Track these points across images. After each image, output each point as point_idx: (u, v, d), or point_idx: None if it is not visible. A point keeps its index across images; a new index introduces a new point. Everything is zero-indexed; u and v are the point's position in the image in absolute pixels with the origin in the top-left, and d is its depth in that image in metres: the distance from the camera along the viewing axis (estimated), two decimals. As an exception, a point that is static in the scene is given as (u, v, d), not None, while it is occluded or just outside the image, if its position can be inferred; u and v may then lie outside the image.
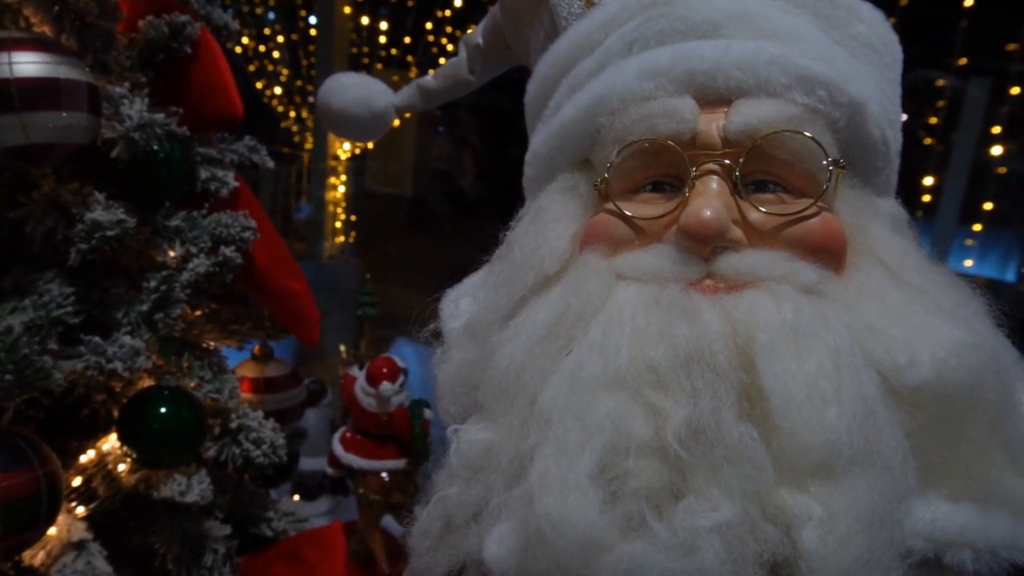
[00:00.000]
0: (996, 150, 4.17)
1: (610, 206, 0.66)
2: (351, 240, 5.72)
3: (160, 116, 1.25)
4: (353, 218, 5.73)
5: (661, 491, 0.54)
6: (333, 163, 5.57)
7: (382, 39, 5.60)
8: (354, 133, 1.41)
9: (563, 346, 0.62)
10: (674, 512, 0.53)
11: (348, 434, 2.32)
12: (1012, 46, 4.01)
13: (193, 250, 1.33)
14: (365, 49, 5.69)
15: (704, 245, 0.61)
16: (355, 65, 5.61)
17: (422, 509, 0.65)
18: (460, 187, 6.60)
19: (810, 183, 0.64)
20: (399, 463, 2.28)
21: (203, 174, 1.40)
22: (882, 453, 0.53)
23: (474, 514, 0.62)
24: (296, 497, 2.36)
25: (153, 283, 1.27)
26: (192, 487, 1.30)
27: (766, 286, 0.59)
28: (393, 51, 5.67)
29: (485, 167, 6.46)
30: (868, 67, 0.70)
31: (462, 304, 0.78)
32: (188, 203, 1.38)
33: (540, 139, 0.76)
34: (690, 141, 0.64)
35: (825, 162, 0.63)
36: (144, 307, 1.26)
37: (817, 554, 0.51)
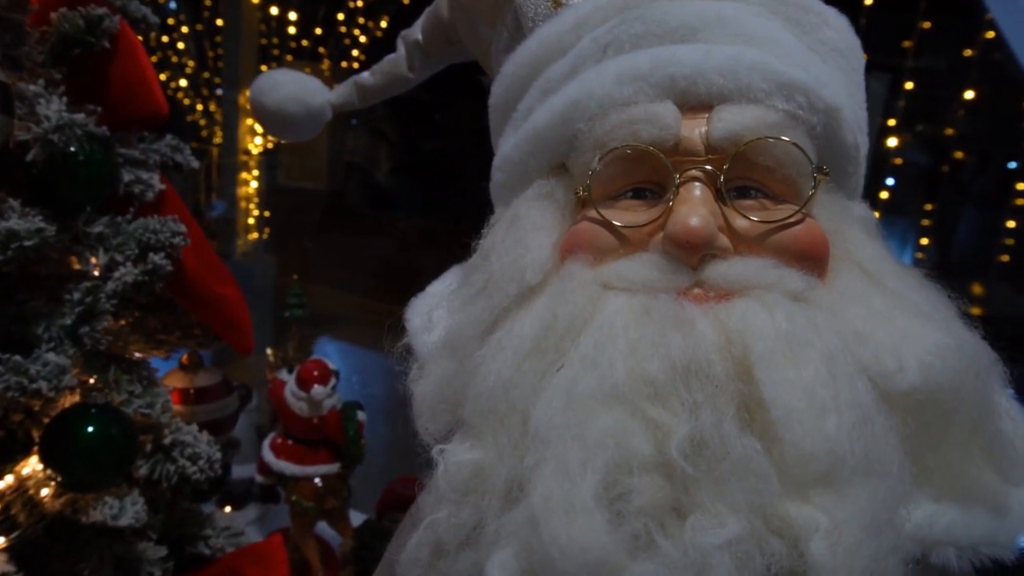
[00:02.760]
0: (892, 142, 4.37)
1: (592, 214, 0.65)
2: (265, 237, 5.56)
3: (80, 116, 1.17)
4: (267, 214, 5.57)
5: (664, 508, 0.53)
6: (244, 158, 5.39)
7: (292, 30, 5.44)
8: (289, 132, 1.36)
9: (552, 361, 0.60)
10: (680, 529, 0.52)
11: (279, 440, 2.25)
12: (907, 43, 4.21)
13: (118, 258, 1.25)
14: (275, 40, 5.52)
15: (693, 254, 0.60)
16: (264, 57, 5.43)
17: (412, 535, 0.62)
18: (376, 180, 6.50)
19: (790, 189, 0.64)
20: (332, 467, 2.23)
21: (126, 176, 1.32)
22: (881, 460, 0.54)
23: (464, 538, 0.60)
24: (228, 509, 2.27)
25: (77, 295, 1.19)
26: (125, 509, 1.23)
27: (756, 294, 0.59)
28: (304, 42, 5.52)
29: (401, 160, 6.38)
30: (838, 72, 0.71)
31: (435, 316, 0.75)
32: (110, 208, 1.30)
33: (511, 144, 0.74)
34: (672, 147, 0.63)
35: (810, 168, 0.63)
36: (67, 321, 1.18)
37: (828, 565, 0.51)
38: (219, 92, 5.62)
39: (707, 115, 0.63)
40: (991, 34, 3.68)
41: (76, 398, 1.27)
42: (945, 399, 0.58)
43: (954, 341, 0.59)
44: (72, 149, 1.19)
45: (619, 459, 0.54)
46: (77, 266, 1.31)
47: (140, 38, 1.42)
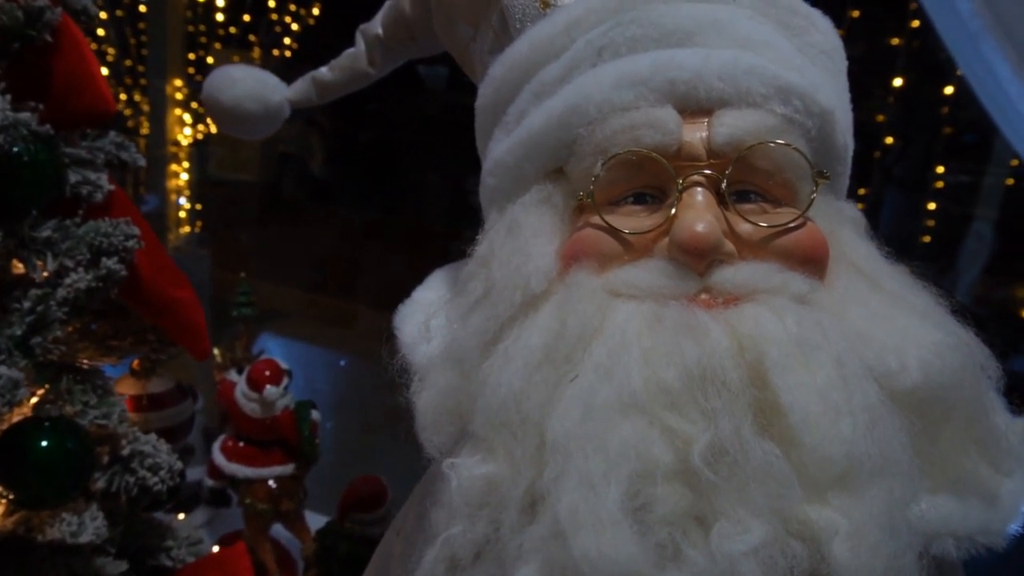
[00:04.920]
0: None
1: (596, 220, 0.64)
2: (197, 230, 5.41)
3: (27, 115, 1.11)
4: (199, 207, 5.41)
5: (686, 516, 0.54)
6: (174, 149, 5.22)
7: (220, 16, 5.27)
8: (246, 130, 1.32)
9: (564, 371, 0.60)
10: (703, 538, 0.53)
11: (229, 442, 2.19)
12: (840, 32, 4.30)
13: (69, 263, 1.19)
14: (202, 27, 5.34)
15: (701, 260, 0.60)
16: (191, 44, 5.26)
17: (428, 552, 0.61)
18: (312, 172, 6.37)
19: (788, 192, 0.65)
20: (287, 468, 2.18)
21: (72, 177, 1.25)
22: (894, 460, 0.55)
23: (477, 552, 0.59)
24: (181, 516, 2.21)
25: (27, 304, 1.13)
26: (85, 526, 1.18)
27: (763, 299, 0.60)
28: (232, 29, 5.35)
29: (337, 151, 6.27)
30: (827, 74, 0.72)
31: (433, 325, 0.73)
32: (58, 211, 1.24)
33: (504, 148, 0.72)
34: (675, 153, 0.63)
35: (810, 172, 0.64)
36: (17, 331, 1.12)
37: (851, 566, 0.52)
38: (143, 81, 5.42)
39: (706, 120, 0.64)
40: (916, 23, 3.79)
41: (27, 411, 1.21)
42: (945, 396, 0.60)
43: (952, 340, 0.61)
44: (15, 150, 1.13)
45: (642, 469, 0.54)
46: (19, 271, 1.25)
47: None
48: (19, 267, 1.23)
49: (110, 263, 1.21)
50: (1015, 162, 3.84)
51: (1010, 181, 3.93)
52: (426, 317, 0.75)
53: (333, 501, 2.38)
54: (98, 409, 1.25)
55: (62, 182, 1.24)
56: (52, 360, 1.23)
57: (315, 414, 2.20)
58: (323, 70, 1.33)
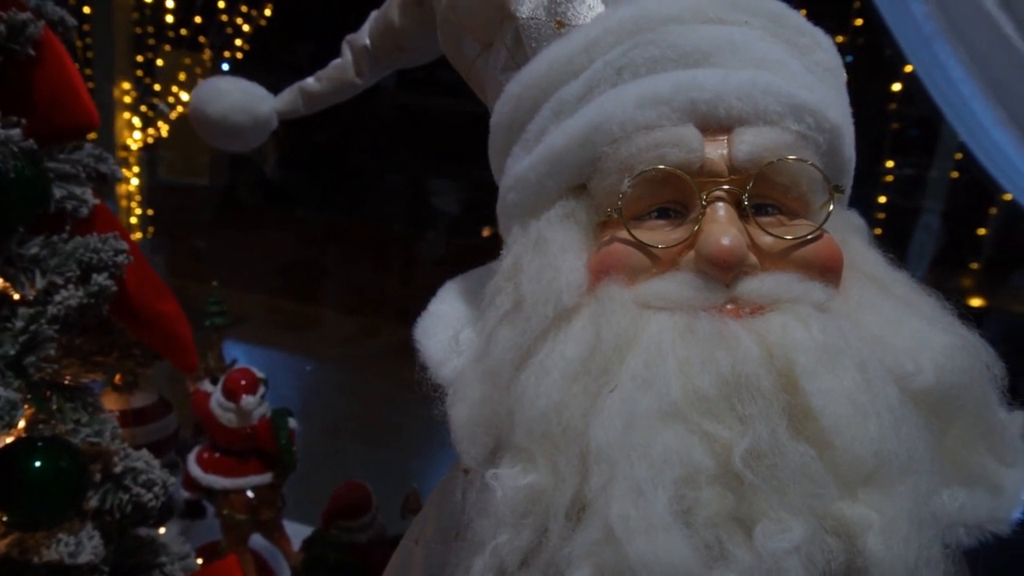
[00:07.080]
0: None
1: (624, 234, 0.67)
2: (150, 236, 5.30)
3: (16, 132, 1.09)
4: (150, 212, 5.31)
5: (728, 518, 0.56)
6: (123, 154, 5.10)
7: (169, 18, 5.16)
8: (234, 142, 1.31)
9: (603, 382, 0.62)
10: (744, 538, 0.56)
11: (205, 453, 2.17)
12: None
13: (58, 280, 1.17)
14: (150, 29, 5.23)
15: (728, 272, 0.63)
16: (139, 46, 5.15)
17: (476, 560, 0.63)
18: (265, 174, 6.29)
19: (803, 204, 0.69)
20: (265, 477, 2.17)
21: (57, 192, 1.23)
22: (917, 457, 0.59)
23: (523, 559, 0.61)
24: (162, 530, 2.17)
25: (19, 323, 1.11)
26: (82, 546, 1.16)
27: (787, 308, 0.63)
28: (183, 31, 5.25)
29: (290, 153, 6.20)
30: (832, 91, 0.75)
31: (463, 338, 0.75)
32: (43, 227, 1.22)
33: (525, 165, 0.75)
34: (698, 169, 0.66)
35: (823, 185, 0.67)
36: (10, 351, 1.10)
37: (885, 558, 0.55)
38: (91, 84, 5.29)
39: (725, 137, 0.67)
40: (859, 21, 3.88)
41: (19, 432, 1.19)
42: (957, 395, 0.64)
43: (960, 342, 0.65)
44: (1, 166, 1.11)
45: (685, 474, 0.56)
46: (13, 292, 1.22)
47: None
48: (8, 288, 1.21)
49: (101, 279, 1.20)
50: (959, 155, 3.97)
51: (955, 174, 4.06)
52: (454, 331, 0.76)
53: (305, 507, 2.37)
54: (90, 427, 1.23)
55: (47, 198, 1.22)
56: (43, 379, 1.21)
57: (292, 422, 2.19)
58: (310, 80, 1.33)
